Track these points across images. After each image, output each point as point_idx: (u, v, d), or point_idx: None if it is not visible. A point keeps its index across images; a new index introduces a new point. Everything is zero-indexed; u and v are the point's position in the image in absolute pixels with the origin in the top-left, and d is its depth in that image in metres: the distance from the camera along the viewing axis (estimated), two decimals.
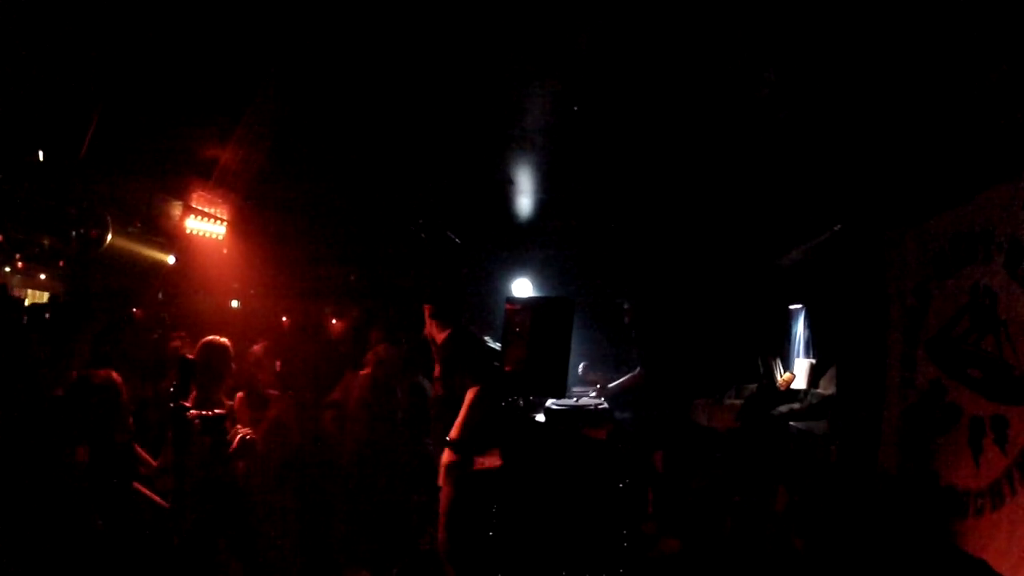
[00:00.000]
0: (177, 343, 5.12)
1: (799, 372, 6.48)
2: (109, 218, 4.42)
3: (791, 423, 6.08)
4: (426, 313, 4.62)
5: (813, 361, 6.32)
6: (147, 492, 4.01)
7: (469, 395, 4.20)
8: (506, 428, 4.64)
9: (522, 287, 8.70)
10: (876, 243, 4.96)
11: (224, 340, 4.41)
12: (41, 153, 4.01)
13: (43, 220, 4.38)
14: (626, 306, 9.06)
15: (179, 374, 3.76)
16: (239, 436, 4.17)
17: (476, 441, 4.17)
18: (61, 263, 4.59)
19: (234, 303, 6.48)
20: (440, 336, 4.54)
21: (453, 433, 4.13)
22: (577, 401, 7.60)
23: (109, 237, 4.39)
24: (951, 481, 3.80)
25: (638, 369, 8.48)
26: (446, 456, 4.14)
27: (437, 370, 4.57)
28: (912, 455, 4.26)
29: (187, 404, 3.78)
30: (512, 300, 7.66)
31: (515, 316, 7.38)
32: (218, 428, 3.96)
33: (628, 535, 5.59)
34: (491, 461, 4.19)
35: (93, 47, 3.37)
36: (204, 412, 3.86)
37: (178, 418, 3.69)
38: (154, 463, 4.24)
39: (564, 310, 7.30)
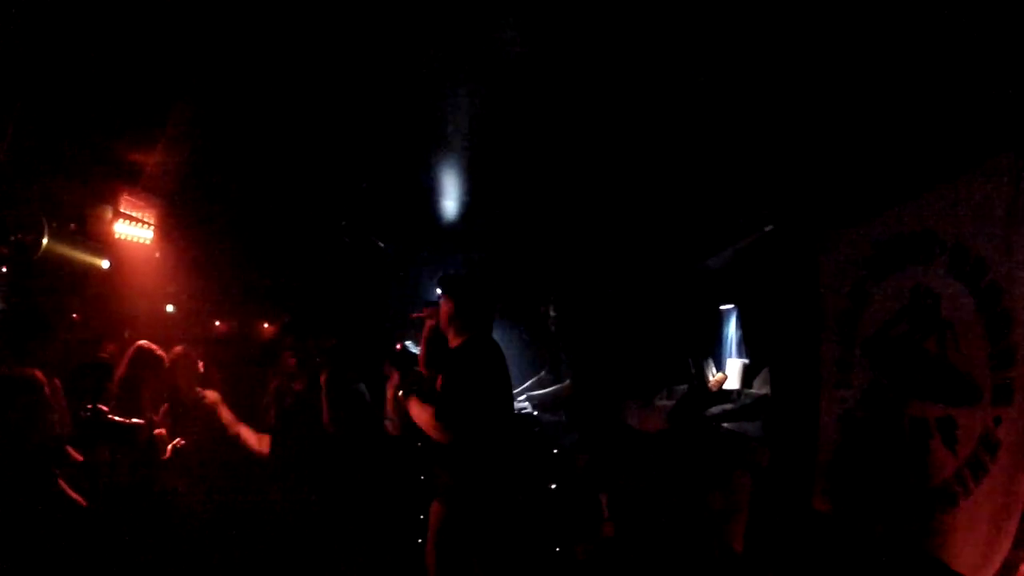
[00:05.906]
0: (106, 354, 5.09)
1: (731, 373, 6.47)
2: (44, 222, 4.31)
3: (723, 424, 6.07)
4: (442, 304, 3.91)
5: (746, 361, 6.32)
6: (70, 491, 3.90)
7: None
8: None
9: None
10: (808, 244, 4.96)
11: (156, 349, 4.43)
12: None
13: None
14: (552, 313, 9.01)
15: (95, 378, 4.00)
16: (171, 445, 4.32)
17: None
18: (4, 268, 4.50)
19: (169, 308, 6.47)
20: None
21: None
22: None
23: (45, 241, 4.29)
24: (893, 483, 3.79)
25: (567, 381, 8.42)
26: None
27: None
28: (852, 458, 4.26)
29: (104, 408, 3.86)
30: (429, 304, 7.46)
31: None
32: (129, 436, 3.98)
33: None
34: None
35: (19, 48, 3.28)
36: (124, 420, 3.91)
37: (94, 421, 3.80)
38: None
39: None
